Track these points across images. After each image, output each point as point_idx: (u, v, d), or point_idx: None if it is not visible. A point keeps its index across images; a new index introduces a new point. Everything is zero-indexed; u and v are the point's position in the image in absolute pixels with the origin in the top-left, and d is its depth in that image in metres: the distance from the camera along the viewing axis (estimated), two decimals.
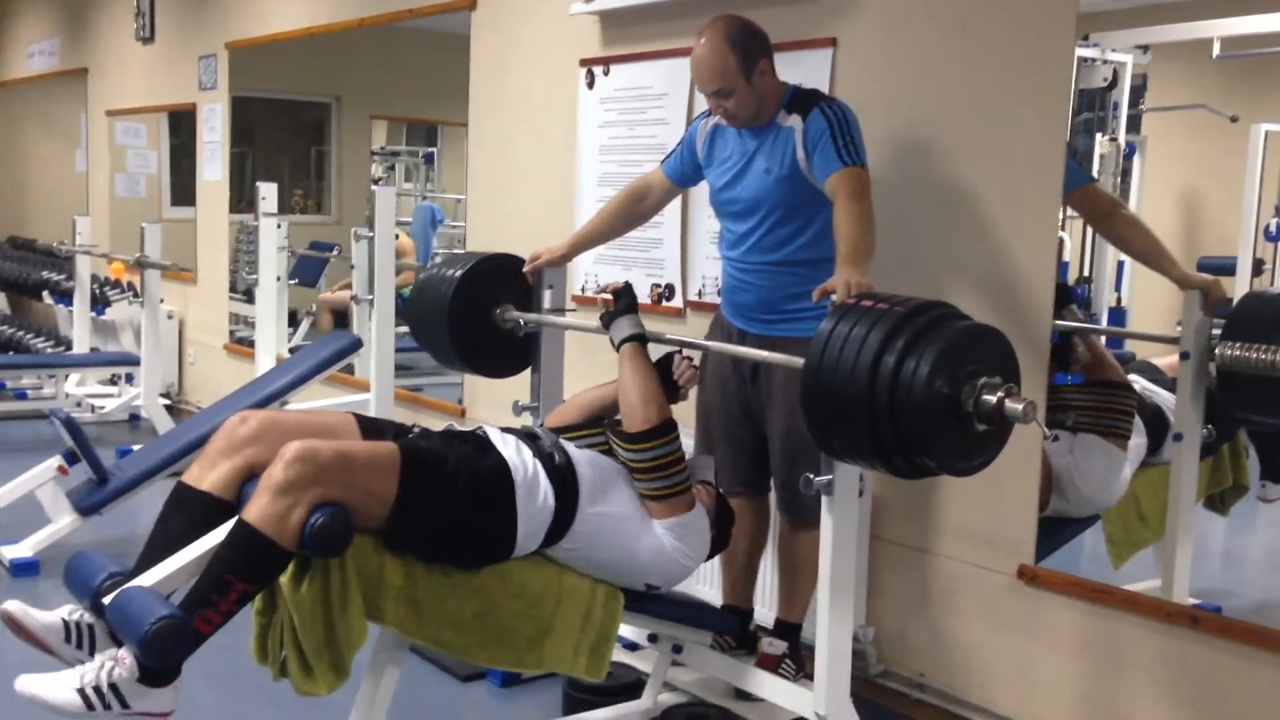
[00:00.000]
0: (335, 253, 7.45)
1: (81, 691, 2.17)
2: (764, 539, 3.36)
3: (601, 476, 2.70)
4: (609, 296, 2.94)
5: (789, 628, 3.23)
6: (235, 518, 2.29)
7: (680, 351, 3.00)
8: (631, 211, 3.47)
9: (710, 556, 2.94)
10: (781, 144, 3.04)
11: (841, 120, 2.97)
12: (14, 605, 2.30)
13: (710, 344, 3.10)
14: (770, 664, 3.13)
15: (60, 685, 2.19)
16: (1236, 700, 2.76)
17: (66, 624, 2.32)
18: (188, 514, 2.43)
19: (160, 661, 2.17)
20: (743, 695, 3.11)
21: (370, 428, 2.64)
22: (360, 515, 2.33)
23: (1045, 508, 3.33)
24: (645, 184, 3.45)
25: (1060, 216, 3.08)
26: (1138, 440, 3.39)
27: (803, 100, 3.06)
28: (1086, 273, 3.83)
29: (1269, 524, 3.73)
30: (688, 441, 3.77)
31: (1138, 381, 3.51)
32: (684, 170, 3.34)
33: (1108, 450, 3.30)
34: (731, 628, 3.11)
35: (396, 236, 4.82)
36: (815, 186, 2.99)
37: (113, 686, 2.19)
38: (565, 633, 2.63)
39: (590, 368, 3.54)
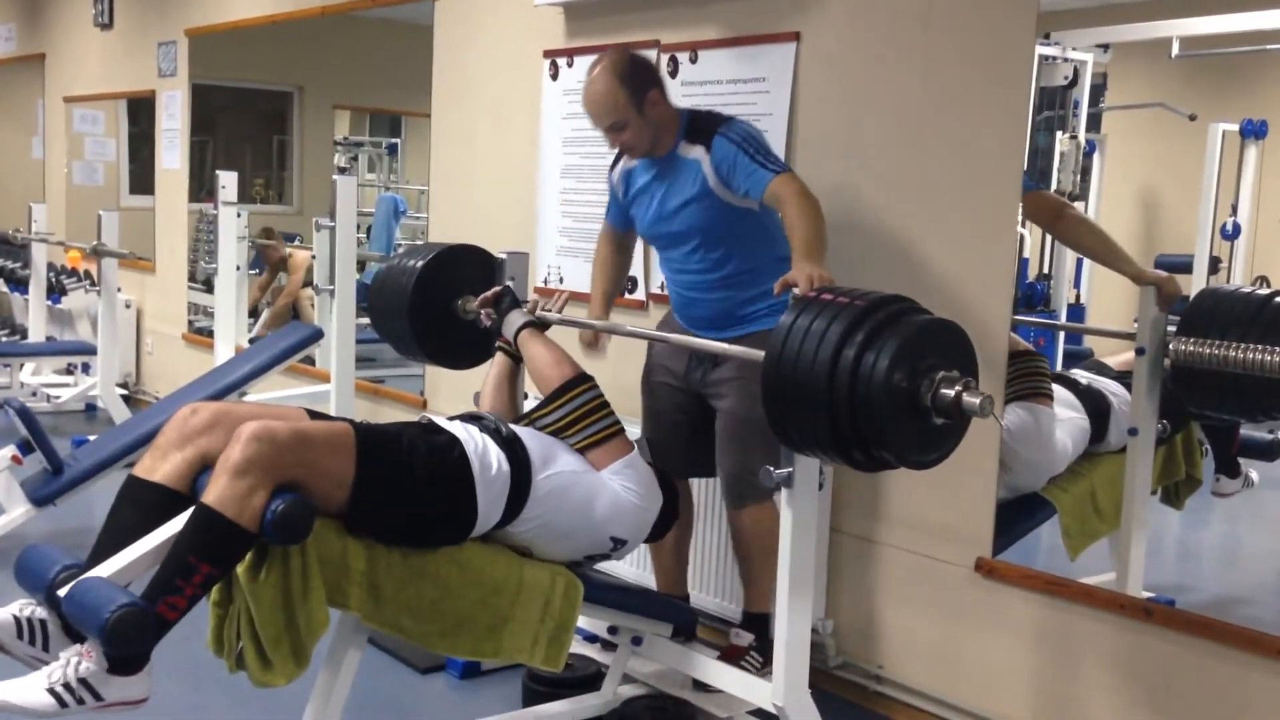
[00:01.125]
0: (296, 243, 7.40)
1: (53, 691, 2.15)
2: (690, 523, 3.45)
3: (544, 444, 2.77)
4: (490, 310, 3.15)
5: (756, 618, 3.24)
6: (193, 506, 2.27)
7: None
8: (626, 258, 3.58)
9: (662, 531, 2.99)
10: (690, 175, 3.11)
11: (747, 138, 3.03)
12: None
13: (670, 336, 3.12)
14: (735, 656, 3.14)
15: (30, 688, 2.16)
16: (1188, 691, 2.80)
17: (18, 620, 2.29)
18: (140, 506, 2.40)
19: (123, 650, 2.14)
20: (701, 687, 3.12)
21: (318, 419, 2.63)
22: (319, 497, 2.33)
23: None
24: (611, 233, 3.52)
25: (1019, 214, 3.10)
26: (1076, 415, 3.42)
27: (701, 127, 3.12)
28: (1046, 270, 3.87)
29: (1223, 519, 3.78)
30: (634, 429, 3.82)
31: (1078, 374, 3.55)
32: (623, 216, 3.41)
33: (1034, 410, 3.32)
34: (689, 620, 3.11)
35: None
36: (735, 207, 3.07)
37: (82, 681, 2.17)
38: (524, 622, 2.63)
39: None
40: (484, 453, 2.60)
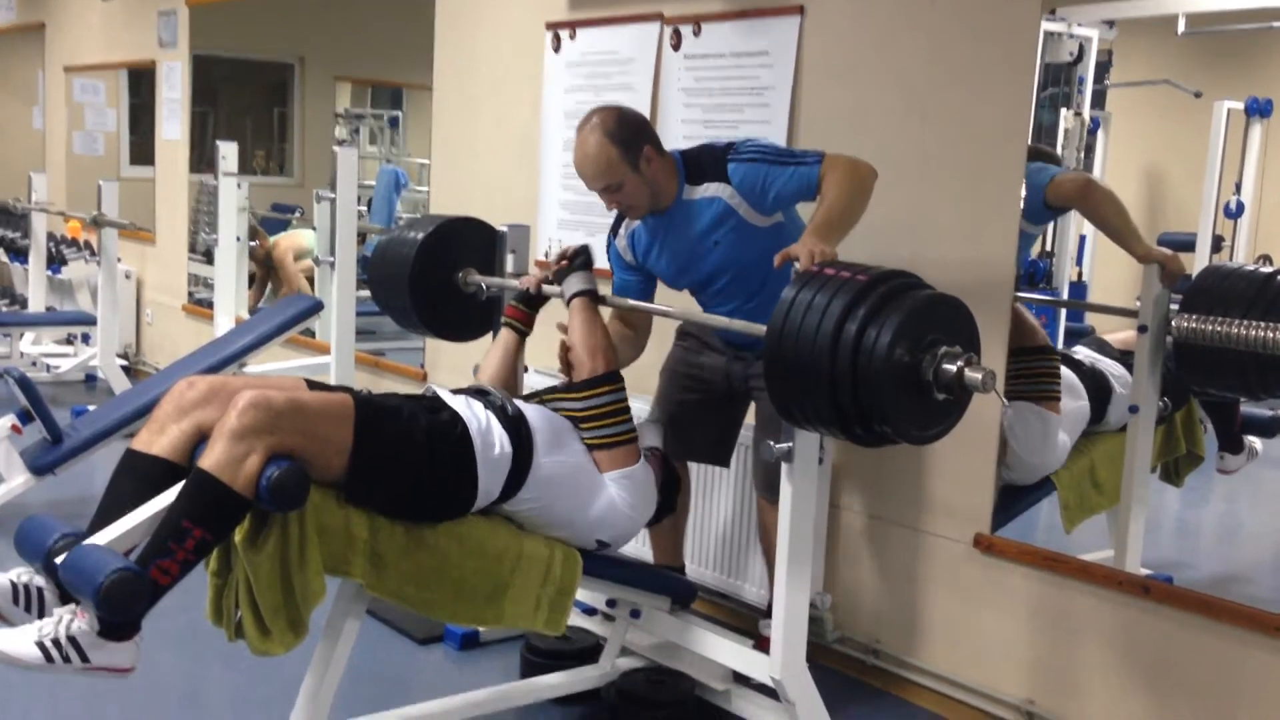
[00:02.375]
0: (298, 214, 7.39)
1: (41, 645, 2.15)
2: (688, 503, 3.43)
3: (553, 427, 2.74)
4: (565, 261, 3.02)
5: None
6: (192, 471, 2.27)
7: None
8: (641, 339, 3.25)
9: (656, 520, 2.97)
10: (709, 214, 2.98)
11: (760, 150, 2.93)
12: None
13: (686, 313, 3.09)
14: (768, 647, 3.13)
15: (19, 638, 2.16)
16: (1185, 668, 2.80)
17: (15, 585, 2.29)
18: (139, 479, 2.39)
19: (117, 614, 2.14)
20: (741, 680, 3.04)
21: (318, 390, 2.63)
22: (317, 466, 2.32)
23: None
24: (619, 319, 3.21)
25: (1022, 190, 3.09)
26: (1077, 404, 3.42)
27: (704, 164, 2.99)
28: (1049, 247, 3.86)
29: (1222, 496, 3.79)
30: (641, 405, 3.80)
31: (1081, 352, 3.55)
32: (639, 285, 3.21)
33: (1042, 415, 3.33)
34: (688, 592, 3.11)
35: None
36: (764, 228, 2.96)
37: (72, 639, 2.16)
38: (525, 588, 2.64)
39: (553, 331, 3.52)
40: (486, 430, 2.58)
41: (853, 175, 2.81)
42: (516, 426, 2.65)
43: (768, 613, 3.18)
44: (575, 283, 2.95)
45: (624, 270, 3.23)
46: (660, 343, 3.35)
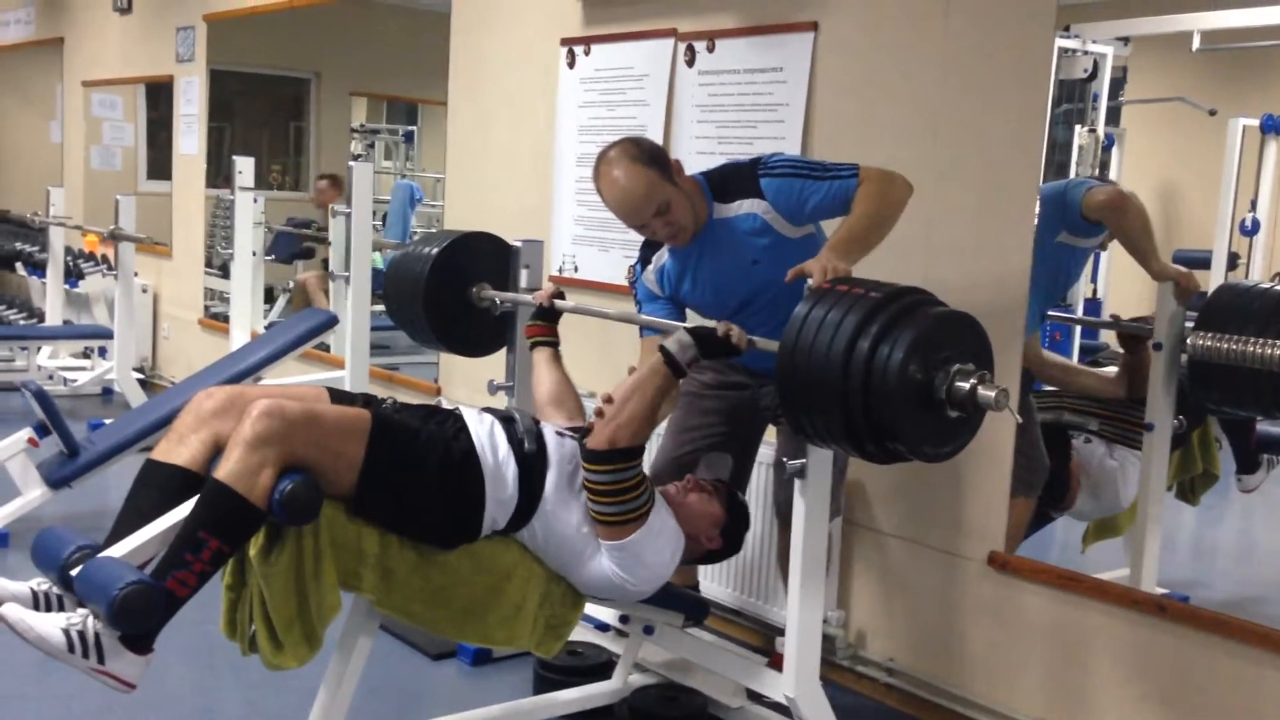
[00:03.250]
0: (312, 229, 7.43)
1: (66, 631, 2.16)
2: None
3: (568, 473, 2.61)
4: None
5: None
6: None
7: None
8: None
9: (719, 560, 2.89)
10: (743, 232, 2.91)
11: (792, 164, 2.87)
12: None
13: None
14: (781, 664, 3.13)
15: (46, 620, 2.17)
16: (1201, 688, 2.79)
17: (35, 593, 2.31)
18: (158, 489, 2.41)
19: (131, 627, 2.15)
20: (756, 698, 3.04)
21: (342, 399, 2.63)
22: (329, 479, 2.32)
23: (1069, 507, 3.37)
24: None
25: (1037, 207, 3.08)
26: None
27: (733, 181, 2.92)
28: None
29: (1238, 515, 3.77)
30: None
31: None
32: (669, 309, 3.09)
33: (1137, 464, 3.34)
34: (701, 609, 3.11)
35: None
36: (798, 240, 2.90)
37: (97, 636, 2.17)
38: (529, 609, 2.62)
39: (571, 347, 3.52)
40: (500, 469, 2.53)
41: (885, 192, 2.76)
42: (530, 465, 2.57)
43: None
44: (674, 342, 2.60)
45: (651, 301, 3.12)
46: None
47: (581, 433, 2.66)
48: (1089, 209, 3.25)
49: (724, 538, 2.80)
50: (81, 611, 2.22)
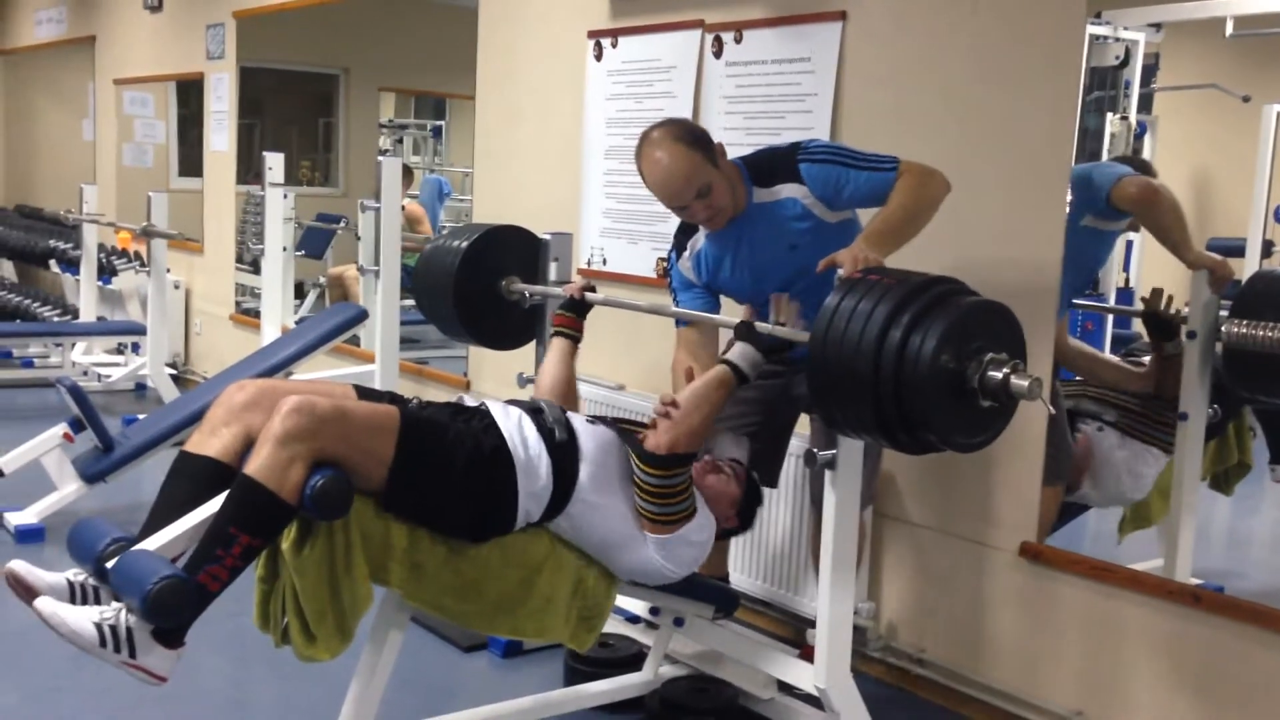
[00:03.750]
0: (342, 225, 7.46)
1: (99, 626, 2.18)
2: None
3: (605, 462, 2.63)
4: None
5: None
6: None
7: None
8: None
9: (731, 537, 2.92)
10: (783, 217, 2.89)
11: (832, 151, 2.86)
12: (19, 564, 2.30)
13: (715, 318, 3.05)
14: (812, 655, 3.12)
15: (79, 614, 2.19)
16: (1236, 678, 2.76)
17: (71, 584, 2.33)
18: (191, 481, 2.42)
19: (164, 620, 2.17)
20: (786, 689, 3.02)
21: (368, 397, 2.64)
22: (359, 474, 2.33)
23: (1073, 491, 3.34)
24: (689, 339, 3.07)
25: (1069, 195, 3.06)
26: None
27: (772, 166, 2.91)
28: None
29: (1273, 505, 3.73)
30: (631, 400, 3.81)
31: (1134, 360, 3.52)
32: (709, 304, 3.09)
33: (1160, 461, 3.33)
34: (731, 600, 3.10)
35: (403, 207, 4.81)
36: (836, 225, 2.89)
37: (129, 630, 2.19)
38: (559, 600, 2.63)
39: (600, 339, 3.53)
40: (533, 461, 2.54)
41: (923, 186, 2.75)
42: (563, 455, 2.58)
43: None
44: (738, 354, 2.65)
45: (686, 289, 3.13)
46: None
47: (629, 429, 2.71)
48: (1119, 200, 3.22)
49: (739, 517, 2.84)
50: (115, 605, 2.23)
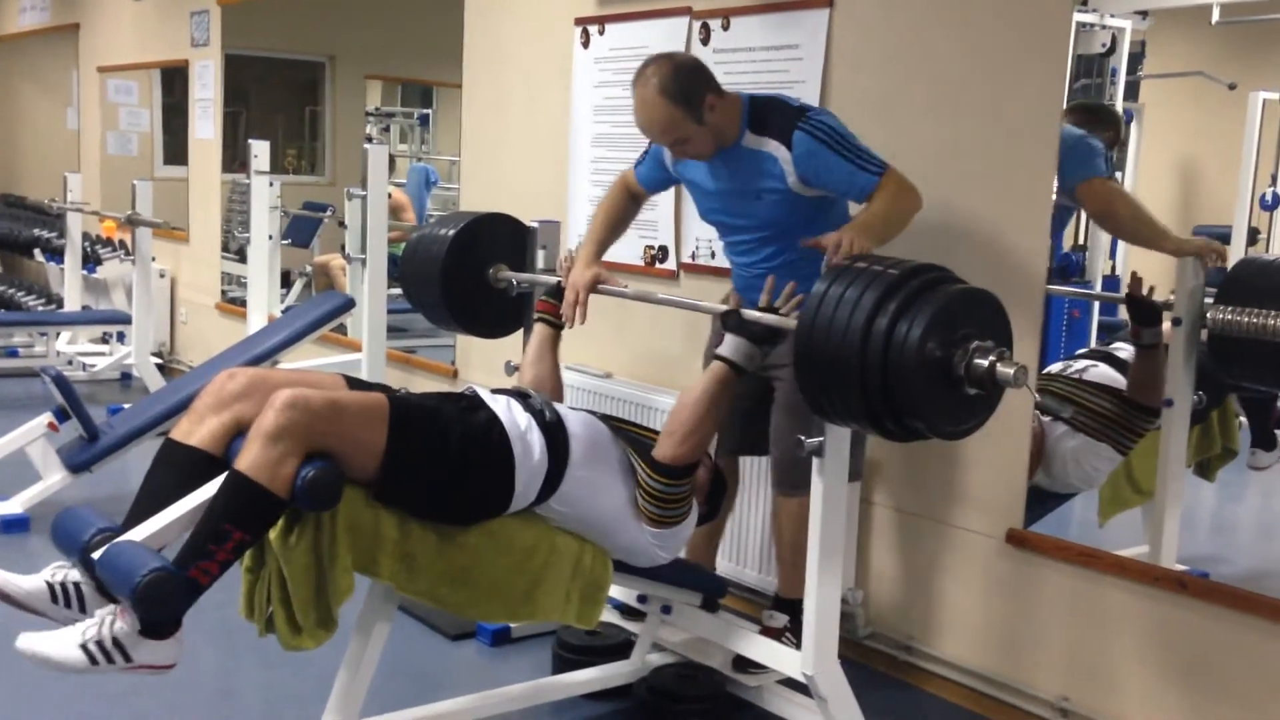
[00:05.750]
0: (329, 213, 7.43)
1: (84, 647, 2.17)
2: (731, 504, 3.39)
3: (595, 442, 2.68)
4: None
5: (790, 603, 3.13)
6: (228, 470, 2.28)
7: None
8: (634, 214, 3.37)
9: (700, 524, 2.94)
10: (762, 169, 2.92)
11: (832, 133, 2.84)
12: None
13: (702, 304, 3.07)
14: (773, 637, 3.12)
15: (63, 642, 2.18)
16: (1221, 663, 2.78)
17: (51, 586, 2.31)
18: (176, 469, 2.42)
19: (154, 614, 2.16)
20: (741, 667, 3.08)
21: (358, 388, 2.63)
22: (351, 466, 2.33)
23: (1030, 476, 3.35)
24: (633, 187, 3.31)
25: (1055, 184, 3.06)
26: None
27: (772, 118, 2.91)
28: (1081, 240, 3.83)
29: (1258, 492, 3.75)
30: (619, 388, 3.82)
31: (1124, 351, 3.52)
32: (659, 180, 3.26)
33: (1113, 459, 3.35)
34: (719, 588, 3.11)
35: (390, 194, 4.80)
36: (810, 199, 2.93)
37: (115, 640, 2.18)
38: (556, 582, 2.63)
39: (588, 325, 3.52)
40: (525, 435, 2.56)
41: (902, 199, 2.78)
42: (554, 433, 2.61)
43: (774, 604, 3.18)
44: (731, 349, 2.66)
45: (655, 164, 3.20)
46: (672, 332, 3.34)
47: (629, 430, 2.79)
48: (1081, 197, 3.27)
49: (707, 504, 2.89)
50: (97, 615, 2.22)
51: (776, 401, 3.11)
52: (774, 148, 2.91)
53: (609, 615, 3.39)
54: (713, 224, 3.21)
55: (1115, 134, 3.60)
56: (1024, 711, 3.13)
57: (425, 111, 8.73)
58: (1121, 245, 3.86)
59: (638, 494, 2.69)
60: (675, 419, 2.67)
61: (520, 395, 2.73)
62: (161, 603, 2.14)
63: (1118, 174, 3.71)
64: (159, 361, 6.74)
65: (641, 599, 3.07)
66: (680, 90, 2.87)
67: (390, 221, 4.67)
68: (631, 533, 2.70)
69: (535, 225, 3.46)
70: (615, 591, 3.10)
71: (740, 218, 3.05)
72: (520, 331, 3.51)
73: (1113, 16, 3.53)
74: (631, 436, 2.79)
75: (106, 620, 2.19)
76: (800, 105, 2.98)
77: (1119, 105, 3.65)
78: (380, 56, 8.09)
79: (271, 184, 6.06)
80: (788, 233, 2.96)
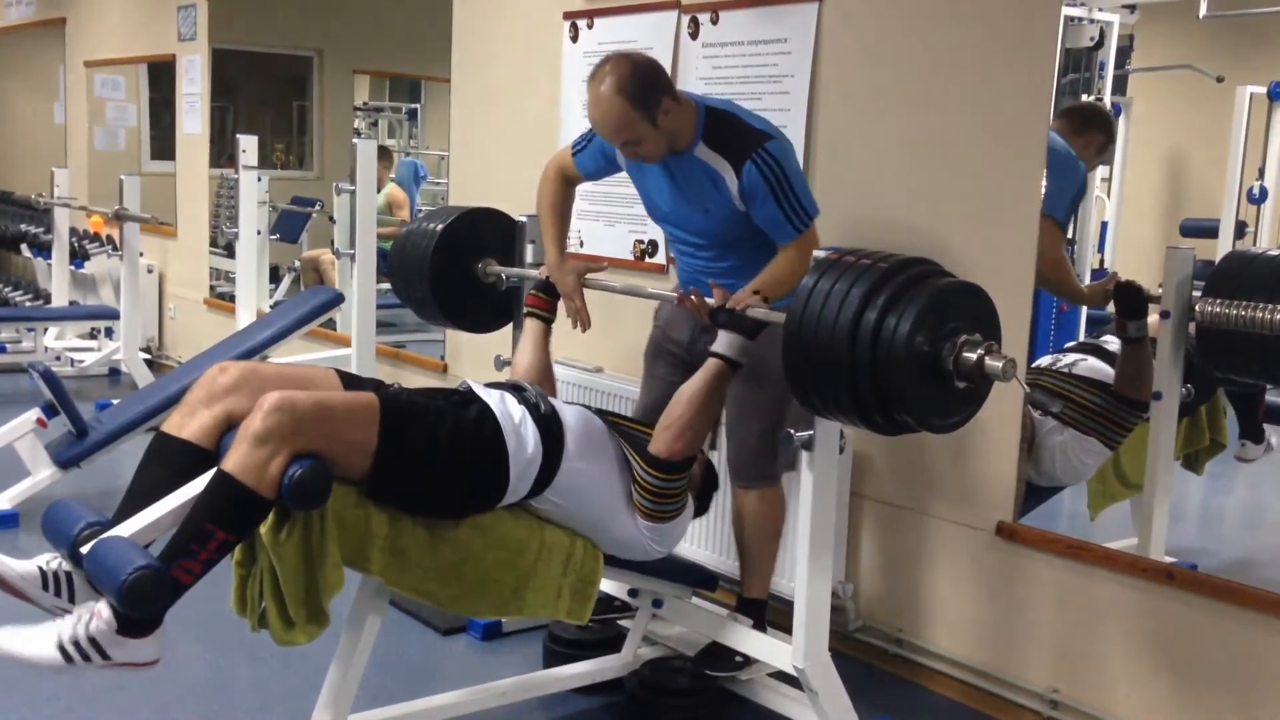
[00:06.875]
0: (317, 208, 7.42)
1: (60, 646, 2.16)
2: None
3: (590, 436, 2.69)
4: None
5: (753, 604, 3.12)
6: (215, 469, 2.28)
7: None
8: (573, 197, 3.33)
9: (693, 518, 2.95)
10: (711, 184, 2.91)
11: (780, 176, 2.83)
12: None
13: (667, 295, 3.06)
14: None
15: (39, 640, 2.17)
16: (1209, 654, 2.79)
17: (43, 572, 2.31)
18: (167, 463, 2.41)
19: (139, 611, 2.15)
20: (708, 658, 3.09)
21: (351, 383, 2.62)
22: (342, 466, 2.32)
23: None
24: (566, 168, 3.26)
25: (1043, 179, 3.07)
26: None
27: (727, 139, 2.89)
28: (1070, 234, 3.84)
29: (1246, 484, 3.77)
30: (609, 383, 3.82)
31: (1112, 343, 3.53)
32: (600, 169, 3.21)
33: (1101, 453, 3.37)
34: (709, 581, 3.12)
35: (387, 184, 4.79)
36: (747, 218, 2.92)
37: (92, 639, 2.17)
38: (547, 577, 2.63)
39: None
40: (519, 427, 2.56)
41: (803, 263, 2.67)
42: (549, 425, 2.61)
43: (738, 606, 3.13)
44: (725, 345, 2.70)
45: (601, 156, 3.14)
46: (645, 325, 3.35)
47: (625, 425, 2.81)
48: None
49: (698, 500, 2.91)
50: (76, 612, 2.21)
51: (728, 394, 3.09)
52: (724, 168, 2.88)
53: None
54: (656, 220, 3.18)
55: (1106, 137, 3.61)
56: (1014, 703, 3.14)
57: (414, 106, 8.72)
58: (1110, 239, 3.87)
59: (633, 488, 2.70)
60: (671, 414, 2.68)
61: (515, 389, 2.72)
62: (146, 600, 2.12)
63: (1105, 168, 3.73)
64: (147, 357, 6.72)
65: (633, 593, 3.07)
66: (637, 91, 2.83)
67: (385, 217, 4.67)
68: (626, 526, 2.71)
69: (524, 220, 3.46)
70: (606, 585, 3.10)
71: (686, 224, 3.04)
72: (510, 326, 3.51)
73: (1101, 10, 3.55)
74: (626, 431, 2.79)
75: (84, 619, 2.18)
76: (759, 129, 2.92)
77: (1107, 99, 3.66)
78: (368, 51, 8.08)
79: (260, 179, 6.05)
80: (732, 243, 2.99)
